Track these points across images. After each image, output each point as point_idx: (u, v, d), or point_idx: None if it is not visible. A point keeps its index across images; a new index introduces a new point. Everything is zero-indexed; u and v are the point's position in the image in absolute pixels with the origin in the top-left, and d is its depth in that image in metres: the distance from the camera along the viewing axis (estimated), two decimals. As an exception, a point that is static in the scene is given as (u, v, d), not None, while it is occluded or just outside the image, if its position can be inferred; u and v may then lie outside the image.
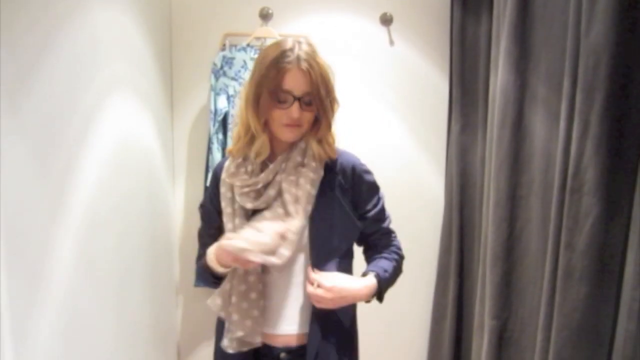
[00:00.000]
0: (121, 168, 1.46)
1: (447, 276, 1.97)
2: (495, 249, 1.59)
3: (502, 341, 1.61)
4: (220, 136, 1.91)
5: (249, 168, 1.19)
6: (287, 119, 1.13)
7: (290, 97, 1.11)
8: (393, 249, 1.32)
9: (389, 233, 1.34)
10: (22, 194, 0.95)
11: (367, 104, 2.04)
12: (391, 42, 2.03)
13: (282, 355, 1.19)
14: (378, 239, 1.31)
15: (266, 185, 1.17)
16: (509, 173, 1.55)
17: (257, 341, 1.19)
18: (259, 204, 1.17)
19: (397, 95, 2.04)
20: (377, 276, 1.21)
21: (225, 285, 1.20)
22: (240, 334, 1.18)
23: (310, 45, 1.14)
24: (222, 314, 1.20)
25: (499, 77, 1.56)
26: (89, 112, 1.25)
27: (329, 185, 1.20)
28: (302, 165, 1.19)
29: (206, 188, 1.93)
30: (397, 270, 1.29)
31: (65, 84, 1.13)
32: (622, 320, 1.24)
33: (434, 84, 2.04)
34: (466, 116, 1.89)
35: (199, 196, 2.00)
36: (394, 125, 2.05)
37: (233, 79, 1.91)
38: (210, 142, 1.91)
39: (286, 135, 1.16)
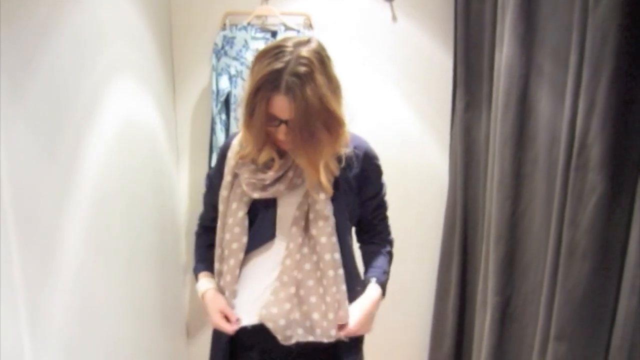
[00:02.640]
0: (126, 150, 1.47)
1: (450, 254, 1.98)
2: (499, 226, 1.59)
3: (504, 317, 1.63)
4: (223, 116, 1.90)
5: (255, 160, 1.19)
6: (276, 135, 1.13)
7: (276, 120, 1.09)
8: (386, 237, 1.37)
9: (385, 219, 1.37)
10: (30, 176, 0.96)
11: (369, 82, 2.02)
12: (394, 18, 1.99)
13: None
14: (376, 225, 1.33)
15: (277, 179, 1.18)
16: (514, 150, 1.54)
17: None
18: (267, 194, 1.18)
19: (400, 73, 2.02)
20: (378, 281, 1.27)
21: (215, 264, 1.25)
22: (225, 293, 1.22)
23: (308, 61, 1.04)
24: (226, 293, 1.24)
25: (504, 53, 1.53)
26: (92, 95, 1.25)
27: (342, 170, 1.21)
28: None
29: (210, 169, 1.94)
30: (391, 263, 1.35)
31: (67, 67, 1.12)
32: (624, 297, 1.25)
33: (437, 60, 2.01)
34: (471, 94, 1.87)
35: (203, 176, 2.00)
36: (397, 103, 2.04)
37: (234, 58, 1.89)
38: (213, 122, 1.91)
39: (282, 145, 1.16)
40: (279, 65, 1.04)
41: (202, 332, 2.17)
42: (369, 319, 1.24)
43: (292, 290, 1.19)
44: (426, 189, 2.09)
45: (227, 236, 1.20)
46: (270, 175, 1.16)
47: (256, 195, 1.17)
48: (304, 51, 1.05)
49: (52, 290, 1.03)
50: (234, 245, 1.20)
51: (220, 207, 1.23)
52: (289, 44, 1.06)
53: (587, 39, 1.25)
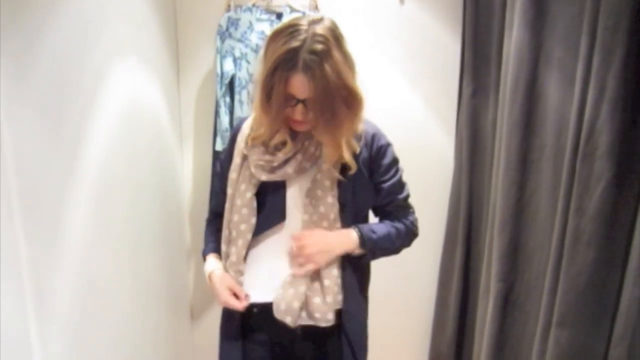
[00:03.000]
0: (130, 132, 1.47)
1: (454, 240, 1.98)
2: (504, 213, 1.59)
3: (507, 304, 1.63)
4: (228, 99, 1.89)
5: (266, 141, 1.19)
6: (293, 116, 1.12)
7: (294, 99, 1.08)
8: (405, 221, 1.30)
9: (405, 207, 1.32)
10: (35, 158, 0.96)
11: (376, 66, 1.99)
12: (401, 1, 1.96)
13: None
14: (393, 211, 1.30)
15: (285, 161, 1.17)
16: (521, 137, 1.53)
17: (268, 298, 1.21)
18: (275, 177, 1.17)
19: (407, 57, 1.99)
20: (358, 229, 1.21)
21: (223, 246, 1.25)
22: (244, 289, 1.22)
23: (324, 38, 1.04)
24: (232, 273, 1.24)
25: (514, 38, 1.51)
26: (96, 76, 1.24)
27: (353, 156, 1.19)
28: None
29: (214, 152, 1.93)
30: (394, 238, 1.27)
31: (70, 49, 1.12)
32: (628, 285, 1.25)
33: (445, 45, 1.98)
34: (478, 79, 1.85)
35: (207, 160, 2.01)
36: (403, 87, 2.01)
37: (239, 40, 1.87)
38: (217, 105, 1.89)
39: (296, 127, 1.15)
40: (295, 43, 1.03)
41: (206, 315, 2.18)
42: (324, 246, 1.17)
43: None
44: (431, 175, 2.08)
45: (236, 217, 1.21)
46: (279, 157, 1.16)
47: (264, 177, 1.17)
48: (319, 29, 1.05)
49: (58, 274, 1.03)
50: (243, 227, 1.20)
51: (229, 190, 1.22)
52: (303, 22, 1.06)
53: (598, 24, 1.23)
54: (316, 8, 1.89)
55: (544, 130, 1.51)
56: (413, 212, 1.34)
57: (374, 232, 1.23)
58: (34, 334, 0.93)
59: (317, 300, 1.19)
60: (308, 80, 1.04)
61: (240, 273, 1.23)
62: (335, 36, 1.07)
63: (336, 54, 1.05)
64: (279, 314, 1.17)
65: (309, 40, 1.03)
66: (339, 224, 1.21)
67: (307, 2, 1.89)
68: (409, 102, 2.03)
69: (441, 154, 2.07)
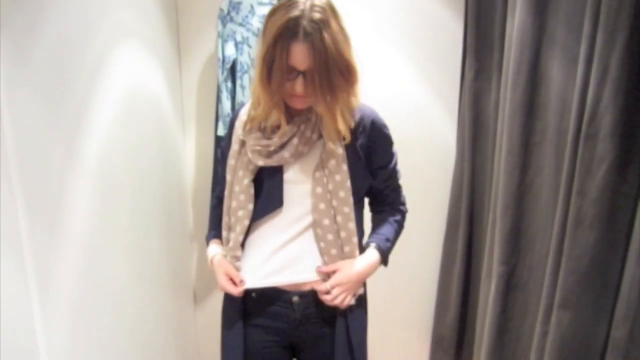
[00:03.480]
0: (131, 116, 1.47)
1: (457, 224, 1.98)
2: (506, 196, 1.59)
3: (509, 287, 1.64)
4: (229, 84, 1.88)
5: (262, 124, 1.19)
6: (292, 91, 1.11)
7: (294, 71, 1.08)
8: (398, 206, 1.35)
9: (397, 189, 1.35)
10: (36, 141, 0.96)
11: (377, 49, 1.98)
12: (404, -17, 1.94)
13: (295, 299, 1.23)
14: (387, 195, 1.33)
15: (281, 146, 1.17)
16: (523, 119, 1.52)
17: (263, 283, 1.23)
18: (271, 162, 1.18)
19: (408, 40, 1.98)
20: (378, 247, 1.26)
21: (223, 232, 1.27)
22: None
23: (322, 9, 1.06)
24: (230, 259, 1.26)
25: (516, 19, 1.50)
26: (97, 61, 1.24)
27: (352, 143, 1.20)
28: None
29: (217, 137, 1.93)
30: (398, 232, 1.34)
31: (71, 32, 1.11)
32: (630, 267, 1.26)
33: (447, 27, 1.96)
34: (481, 61, 1.83)
35: (209, 144, 2.01)
36: (405, 70, 2.00)
37: (240, 24, 1.86)
38: (219, 90, 1.89)
39: (295, 104, 1.15)
40: (295, 13, 1.05)
41: (209, 299, 2.21)
42: (356, 278, 1.21)
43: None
44: (433, 158, 2.08)
45: (234, 204, 1.22)
46: (275, 141, 1.16)
47: (261, 162, 1.18)
48: (317, 1, 1.07)
49: (60, 255, 1.04)
50: (240, 213, 1.21)
51: (228, 177, 1.23)
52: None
53: (602, 5, 1.22)
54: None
55: (546, 113, 1.50)
56: (402, 190, 1.37)
57: (388, 240, 1.29)
58: (37, 315, 0.94)
59: (334, 251, 1.22)
60: (308, 49, 1.05)
61: (237, 259, 1.24)
62: (332, 8, 1.09)
63: (334, 24, 1.07)
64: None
65: (308, 10, 1.05)
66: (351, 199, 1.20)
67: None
68: (410, 85, 2.02)
69: (443, 137, 2.06)
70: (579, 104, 1.31)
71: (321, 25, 1.05)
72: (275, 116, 1.16)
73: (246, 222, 1.21)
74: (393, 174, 1.32)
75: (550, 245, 1.46)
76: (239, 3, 1.85)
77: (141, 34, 1.56)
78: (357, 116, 1.21)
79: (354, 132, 1.20)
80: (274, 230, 1.23)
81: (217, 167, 1.39)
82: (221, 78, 1.87)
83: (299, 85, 1.10)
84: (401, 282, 2.19)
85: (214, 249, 1.31)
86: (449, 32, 1.96)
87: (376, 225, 1.33)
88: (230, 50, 1.86)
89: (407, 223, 2.12)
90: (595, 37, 1.23)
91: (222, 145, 1.35)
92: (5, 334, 0.85)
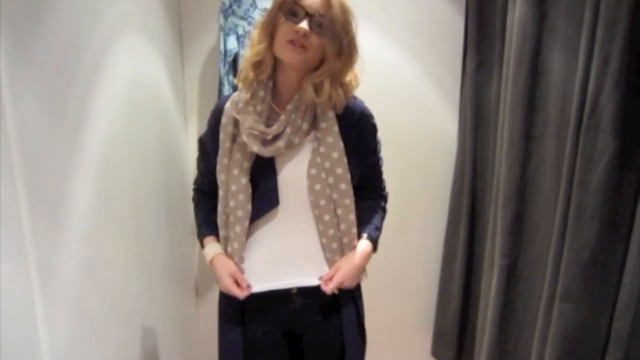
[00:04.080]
0: (133, 110, 1.47)
1: (458, 216, 1.98)
2: (507, 188, 1.59)
3: (511, 279, 1.64)
4: (231, 77, 1.89)
5: (258, 108, 1.18)
6: (292, 34, 1.09)
7: (302, 11, 1.09)
8: (381, 192, 1.37)
9: (380, 175, 1.37)
10: (38, 134, 0.96)
11: (378, 41, 1.98)
12: (405, -24, 1.94)
13: (294, 291, 1.24)
14: (372, 182, 1.33)
15: (275, 137, 1.17)
16: (524, 112, 1.52)
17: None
18: (266, 152, 1.17)
19: (409, 32, 1.97)
20: (370, 237, 1.28)
21: (221, 232, 1.26)
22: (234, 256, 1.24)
23: None
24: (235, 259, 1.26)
25: (517, 11, 1.49)
26: (98, 54, 1.24)
27: (339, 130, 1.20)
28: (316, 119, 1.18)
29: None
30: (384, 217, 1.36)
31: (73, 24, 1.11)
32: (632, 258, 1.26)
33: (448, 20, 1.96)
34: (482, 54, 1.83)
35: (211, 139, 2.01)
36: (406, 63, 2.00)
37: (242, 18, 1.86)
38: (220, 83, 1.89)
39: (288, 54, 1.12)
40: None
41: (211, 292, 2.21)
42: (356, 271, 1.25)
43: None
44: (435, 151, 2.08)
45: (232, 203, 1.21)
46: (273, 129, 1.15)
47: (255, 148, 1.16)
48: None
49: (62, 250, 1.04)
50: (240, 213, 1.21)
51: (222, 176, 1.21)
52: None
53: (602, -5, 1.22)
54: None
55: (548, 105, 1.50)
56: (382, 174, 1.37)
57: (377, 228, 1.31)
58: (38, 308, 0.95)
59: (334, 245, 1.24)
60: None
61: (242, 260, 1.24)
62: None
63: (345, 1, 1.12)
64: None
65: None
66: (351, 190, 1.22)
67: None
68: (412, 78, 2.01)
69: (445, 129, 2.06)
70: (580, 96, 1.31)
71: None
72: (266, 65, 1.15)
73: (247, 223, 1.21)
74: (377, 161, 1.33)
75: (552, 237, 1.46)
76: (241, -4, 1.85)
77: (144, 28, 1.56)
78: (347, 107, 1.21)
79: (343, 122, 1.20)
80: (273, 229, 1.23)
81: (199, 161, 1.35)
82: (223, 71, 1.87)
83: (303, 24, 1.08)
84: (403, 275, 2.20)
85: (213, 249, 1.27)
86: (450, 24, 1.96)
87: (364, 213, 1.31)
88: (232, 44, 1.86)
89: (409, 215, 2.13)
90: (596, 29, 1.23)
91: (202, 139, 1.31)
92: (8, 330, 0.85)
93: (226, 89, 1.88)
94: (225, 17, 1.86)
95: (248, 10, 1.85)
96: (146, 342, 1.55)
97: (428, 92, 2.03)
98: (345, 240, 1.23)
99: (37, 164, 0.95)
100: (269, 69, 1.16)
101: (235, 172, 1.19)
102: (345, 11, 1.12)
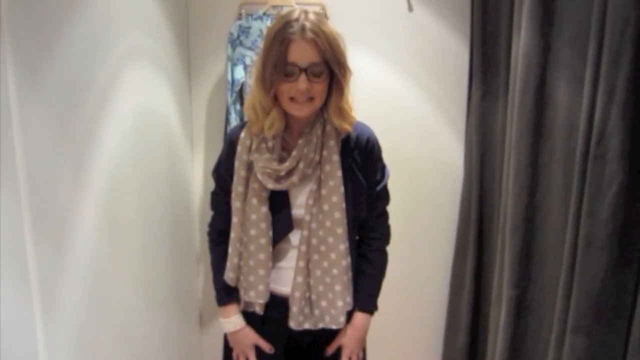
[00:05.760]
0: (141, 138, 1.48)
1: (465, 246, 1.96)
2: (515, 218, 1.57)
3: (520, 310, 1.60)
4: (238, 106, 1.91)
5: (270, 144, 1.20)
6: (294, 92, 1.11)
7: (296, 69, 1.09)
8: (380, 235, 1.34)
9: (384, 215, 1.35)
10: (45, 161, 0.97)
11: (384, 71, 2.00)
12: (410, 8, 1.97)
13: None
14: (373, 220, 1.31)
15: (289, 172, 1.19)
16: (531, 141, 1.52)
17: (267, 298, 1.27)
18: (280, 187, 1.19)
19: (415, 62, 2.00)
20: (362, 309, 1.31)
21: (233, 259, 1.26)
22: (253, 295, 1.26)
23: (317, 14, 1.12)
24: (236, 284, 1.29)
25: (522, 41, 1.51)
26: (108, 82, 1.26)
27: (347, 159, 1.22)
28: (322, 147, 1.20)
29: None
30: (381, 274, 1.35)
31: (83, 53, 1.14)
32: (644, 289, 1.23)
33: (454, 49, 1.98)
34: (487, 83, 1.84)
35: (217, 166, 2.02)
36: (412, 93, 2.02)
37: (249, 48, 1.89)
38: (227, 112, 1.91)
39: (294, 110, 1.15)
40: (292, 16, 1.09)
41: (215, 321, 2.18)
42: (361, 341, 1.33)
43: (301, 277, 1.24)
44: (441, 180, 2.07)
45: (253, 232, 1.22)
46: (285, 166, 1.17)
47: (270, 185, 1.19)
48: (309, 10, 1.14)
49: (66, 276, 1.04)
50: (262, 240, 1.22)
51: (236, 203, 1.23)
52: (294, 10, 1.14)
53: (606, 26, 1.23)
54: (326, 16, 1.90)
55: (554, 134, 1.49)
56: (387, 218, 1.36)
57: (371, 296, 1.32)
58: (40, 334, 0.94)
59: (324, 303, 1.26)
60: (309, 44, 1.08)
61: (267, 287, 1.26)
62: (323, 21, 1.13)
63: (329, 25, 1.12)
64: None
65: (303, 15, 1.10)
66: (344, 226, 1.21)
67: (317, 10, 1.91)
68: (418, 107, 2.03)
69: (451, 158, 2.06)
70: (587, 125, 1.30)
71: (319, 23, 1.09)
72: (276, 122, 1.16)
73: (270, 248, 1.23)
74: (382, 196, 1.31)
75: (562, 267, 1.43)
76: (249, 27, 1.88)
77: (152, 56, 1.59)
78: (354, 133, 1.23)
79: (350, 148, 1.22)
80: (284, 254, 1.27)
81: (219, 198, 1.33)
82: (230, 100, 1.90)
83: (302, 82, 1.09)
84: (410, 305, 2.16)
85: (237, 322, 1.30)
86: (456, 54, 1.98)
87: (358, 276, 1.31)
88: (239, 74, 1.89)
89: (416, 245, 2.11)
90: (601, 58, 1.24)
91: (220, 172, 1.32)
92: (8, 356, 0.84)
93: (233, 117, 1.90)
94: (233, 48, 1.90)
95: (255, 41, 1.89)
96: (148, 373, 1.52)
97: (434, 121, 2.03)
98: (335, 271, 1.25)
99: (42, 188, 0.96)
100: (280, 124, 1.18)
101: (254, 201, 1.21)
102: (332, 41, 1.10)
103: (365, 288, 1.31)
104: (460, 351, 1.98)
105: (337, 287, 1.23)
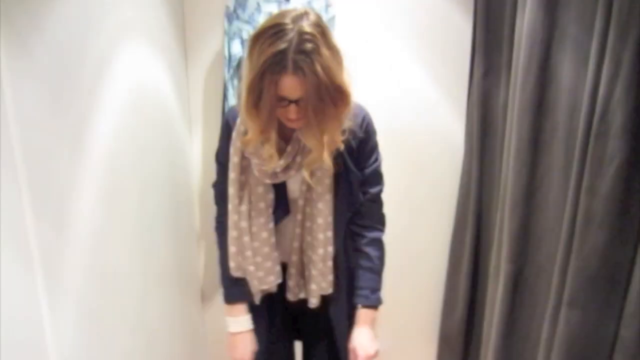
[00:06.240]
0: (137, 114, 1.46)
1: (464, 223, 1.97)
2: (514, 195, 1.58)
3: (517, 285, 1.63)
4: (236, 82, 1.88)
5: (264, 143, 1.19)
6: (284, 117, 1.10)
7: (285, 101, 1.06)
8: (374, 233, 1.34)
9: (377, 202, 1.33)
10: (42, 139, 0.96)
11: (385, 47, 1.97)
12: (412, -19, 1.93)
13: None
14: (366, 206, 1.31)
15: (287, 167, 1.20)
16: (533, 118, 1.51)
17: (274, 285, 1.31)
18: (277, 180, 1.21)
19: (417, 38, 1.96)
20: (366, 306, 1.32)
21: (232, 248, 1.27)
22: (256, 284, 1.29)
23: (312, 36, 1.00)
24: (239, 274, 1.29)
25: (527, 16, 1.48)
26: (101, 57, 1.23)
27: (345, 146, 1.20)
28: None
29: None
30: (381, 267, 1.36)
31: (76, 28, 1.11)
32: (640, 265, 1.24)
33: (456, 25, 1.95)
34: (490, 60, 1.82)
35: (216, 143, 2.01)
36: (413, 69, 1.99)
37: (247, 22, 1.85)
38: (225, 88, 1.89)
39: (292, 126, 1.14)
40: (282, 45, 0.99)
41: (216, 298, 2.21)
42: (372, 339, 1.33)
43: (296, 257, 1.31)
44: (441, 157, 2.07)
45: (253, 213, 1.23)
46: (281, 164, 1.17)
47: (268, 180, 1.20)
48: (306, 26, 1.01)
49: (67, 253, 1.04)
50: (262, 219, 1.24)
51: (231, 190, 1.22)
52: (287, 20, 1.01)
53: (614, 0, 1.20)
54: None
55: (556, 111, 1.49)
56: (382, 207, 1.35)
57: (374, 290, 1.33)
58: (45, 310, 0.94)
59: (313, 286, 1.31)
60: (299, 81, 1.01)
61: (276, 261, 1.30)
62: (322, 32, 1.03)
63: (325, 51, 1.01)
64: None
65: (296, 40, 0.99)
66: (331, 218, 1.25)
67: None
68: (419, 84, 2.01)
69: (451, 135, 2.05)
70: (590, 101, 1.29)
71: (312, 55, 0.99)
72: (271, 146, 1.14)
73: (271, 225, 1.25)
74: (373, 180, 1.29)
75: (559, 244, 1.45)
76: (245, 0, 1.84)
77: (147, 32, 1.56)
78: (353, 117, 1.20)
79: (351, 136, 1.20)
80: (280, 236, 1.30)
81: (222, 189, 1.28)
82: (227, 76, 1.87)
83: (292, 113, 1.07)
84: (408, 281, 2.19)
85: (246, 322, 1.32)
86: (458, 29, 1.95)
87: (357, 267, 1.34)
88: (236, 48, 1.85)
89: (416, 221, 2.12)
90: (608, 33, 1.22)
91: (221, 160, 1.30)
92: (14, 330, 0.85)
93: (231, 94, 1.88)
94: (230, 22, 1.86)
95: (252, 14, 1.85)
96: (152, 348, 1.54)
97: (435, 98, 2.02)
98: (320, 251, 1.28)
99: (41, 168, 0.95)
100: (273, 137, 1.14)
101: (252, 181, 1.22)
102: (321, 74, 1.00)
103: (366, 283, 1.32)
104: (457, 325, 2.02)
105: (329, 263, 1.28)
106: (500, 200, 1.73)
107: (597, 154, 1.27)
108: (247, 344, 1.32)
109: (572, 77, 1.43)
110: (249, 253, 1.25)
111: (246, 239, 1.23)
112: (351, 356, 1.31)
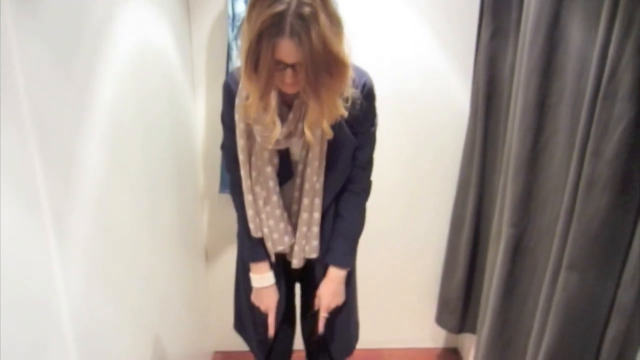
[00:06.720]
0: (141, 73, 1.45)
1: (467, 187, 1.97)
2: (518, 158, 1.57)
3: (518, 249, 1.64)
4: (239, 42, 1.85)
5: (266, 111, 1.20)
6: (280, 81, 1.09)
7: (281, 65, 1.05)
8: (357, 200, 1.37)
9: (366, 169, 1.35)
10: (49, 93, 0.96)
11: (390, 8, 1.93)
12: (421, -62, 1.87)
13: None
14: (355, 170, 1.33)
15: (289, 134, 1.21)
16: (540, 80, 1.49)
17: (288, 246, 1.37)
18: (280, 146, 1.23)
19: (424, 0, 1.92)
20: (337, 267, 1.38)
21: (249, 211, 1.32)
22: (270, 246, 1.35)
23: (311, 0, 0.99)
24: (260, 235, 1.35)
25: (537, -26, 1.44)
26: (105, 16, 1.22)
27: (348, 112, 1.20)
28: None
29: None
30: (358, 233, 1.41)
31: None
32: (642, 229, 1.24)
33: (465, -15, 1.90)
34: (498, 21, 1.78)
35: (219, 103, 2.00)
36: (419, 30, 1.95)
37: (252, -21, 1.81)
38: (229, 48, 1.87)
39: (287, 90, 1.13)
40: (280, 7, 0.98)
41: (220, 257, 2.24)
42: (336, 293, 1.40)
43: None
44: (447, 121, 2.05)
45: (262, 178, 1.28)
46: (283, 131, 1.18)
47: (270, 147, 1.22)
48: None
49: (75, 201, 1.05)
50: (271, 183, 1.29)
51: (241, 156, 1.26)
52: None
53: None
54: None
55: (564, 74, 1.46)
56: (370, 172, 1.37)
57: (345, 254, 1.38)
58: (55, 261, 0.96)
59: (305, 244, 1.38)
60: (295, 46, 1.00)
61: (287, 222, 1.36)
62: None
63: (323, 17, 1.00)
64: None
65: (295, 3, 0.98)
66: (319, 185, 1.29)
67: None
68: (425, 47, 1.97)
69: (458, 100, 2.03)
70: (599, 63, 1.27)
71: (309, 21, 0.98)
72: (272, 115, 1.15)
73: (278, 189, 1.30)
74: (365, 145, 1.30)
75: (561, 208, 1.45)
76: (250, -43, 1.80)
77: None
78: (356, 82, 1.20)
79: (353, 102, 1.19)
80: (286, 198, 1.35)
81: (232, 153, 1.32)
82: (231, 36, 1.84)
83: (288, 77, 1.07)
84: (410, 243, 2.21)
85: (269, 279, 1.40)
86: (466, -11, 1.90)
87: (335, 228, 1.38)
88: (240, 7, 1.82)
89: (420, 185, 2.12)
90: (620, -8, 1.19)
91: (227, 125, 1.32)
92: (26, 281, 0.87)
93: (235, 54, 1.86)
94: (235, -21, 1.82)
95: (258, -29, 1.80)
96: (158, 303, 1.58)
97: (442, 60, 1.99)
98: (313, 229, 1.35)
99: (47, 117, 0.95)
100: (273, 103, 1.15)
101: (257, 147, 1.25)
102: (317, 42, 0.99)
103: (339, 246, 1.37)
104: (457, 288, 2.05)
105: (314, 229, 1.33)
106: (504, 164, 1.73)
107: (604, 116, 1.26)
108: (272, 296, 1.41)
109: (581, 39, 1.40)
110: (263, 216, 1.31)
111: (260, 202, 1.29)
112: (316, 301, 1.42)
